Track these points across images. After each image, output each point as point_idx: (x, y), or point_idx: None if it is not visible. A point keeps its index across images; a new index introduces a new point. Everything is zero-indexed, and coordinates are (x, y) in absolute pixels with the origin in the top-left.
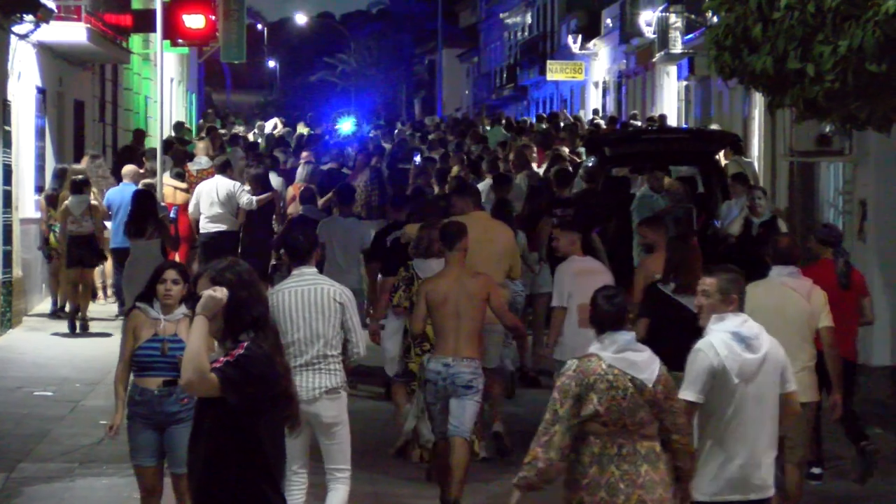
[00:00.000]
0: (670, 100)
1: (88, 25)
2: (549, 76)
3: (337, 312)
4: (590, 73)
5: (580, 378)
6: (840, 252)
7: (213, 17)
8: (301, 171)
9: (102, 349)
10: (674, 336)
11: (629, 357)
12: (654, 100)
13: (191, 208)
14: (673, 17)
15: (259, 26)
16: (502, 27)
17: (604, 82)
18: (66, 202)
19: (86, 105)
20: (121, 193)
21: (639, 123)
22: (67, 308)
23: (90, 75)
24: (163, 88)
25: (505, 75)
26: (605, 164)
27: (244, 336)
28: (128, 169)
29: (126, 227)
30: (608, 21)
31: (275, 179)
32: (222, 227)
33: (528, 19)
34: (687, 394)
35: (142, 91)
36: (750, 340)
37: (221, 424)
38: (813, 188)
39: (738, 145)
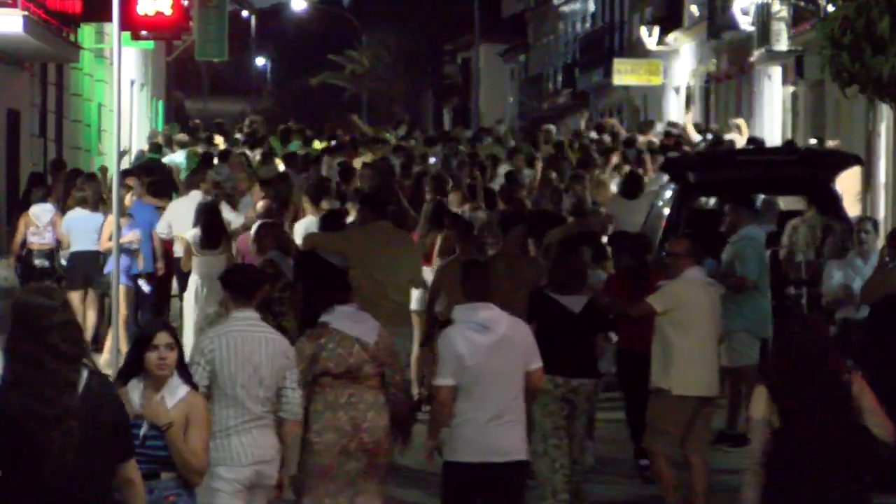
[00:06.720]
0: (772, 110)
1: (26, 13)
2: (617, 79)
3: None
4: (669, 76)
5: (313, 342)
6: None
7: (186, 3)
8: None
9: None
10: (560, 335)
11: (351, 322)
12: (752, 110)
13: (162, 227)
14: (777, 5)
15: (245, 14)
16: (558, 17)
17: (687, 87)
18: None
19: (22, 115)
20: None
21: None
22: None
23: (28, 77)
24: (120, 94)
25: (560, 78)
26: (690, 193)
27: None
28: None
29: (201, 239)
30: (693, 9)
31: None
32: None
33: (591, 7)
34: (440, 381)
35: (94, 97)
36: (486, 324)
37: None
38: None
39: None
